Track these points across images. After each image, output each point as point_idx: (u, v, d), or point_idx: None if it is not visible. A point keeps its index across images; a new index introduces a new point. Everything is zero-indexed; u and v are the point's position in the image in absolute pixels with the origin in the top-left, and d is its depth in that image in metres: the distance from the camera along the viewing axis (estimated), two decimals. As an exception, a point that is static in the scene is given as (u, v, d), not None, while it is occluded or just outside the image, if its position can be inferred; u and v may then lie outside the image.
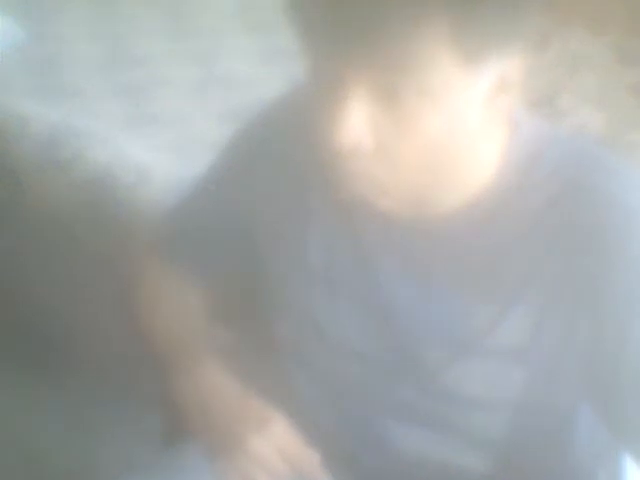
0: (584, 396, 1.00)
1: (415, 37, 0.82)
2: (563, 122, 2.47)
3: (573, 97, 2.60)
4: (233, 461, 1.01)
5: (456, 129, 0.89)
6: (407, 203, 0.96)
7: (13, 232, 1.56)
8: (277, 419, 1.02)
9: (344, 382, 1.07)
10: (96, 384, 1.49)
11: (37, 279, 1.57)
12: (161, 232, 1.23)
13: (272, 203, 1.08)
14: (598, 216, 0.94)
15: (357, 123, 0.87)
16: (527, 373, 0.98)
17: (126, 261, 1.29)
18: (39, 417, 1.53)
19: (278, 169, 1.08)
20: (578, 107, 2.57)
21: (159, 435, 1.26)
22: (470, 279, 0.98)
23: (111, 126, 2.18)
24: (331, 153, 0.89)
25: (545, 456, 1.05)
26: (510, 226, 0.96)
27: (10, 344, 1.56)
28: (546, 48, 2.63)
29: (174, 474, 1.16)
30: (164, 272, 1.19)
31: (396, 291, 1.01)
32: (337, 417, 1.10)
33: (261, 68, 2.62)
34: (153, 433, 1.28)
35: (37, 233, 1.53)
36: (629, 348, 0.94)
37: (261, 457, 1.00)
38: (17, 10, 2.68)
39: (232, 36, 2.78)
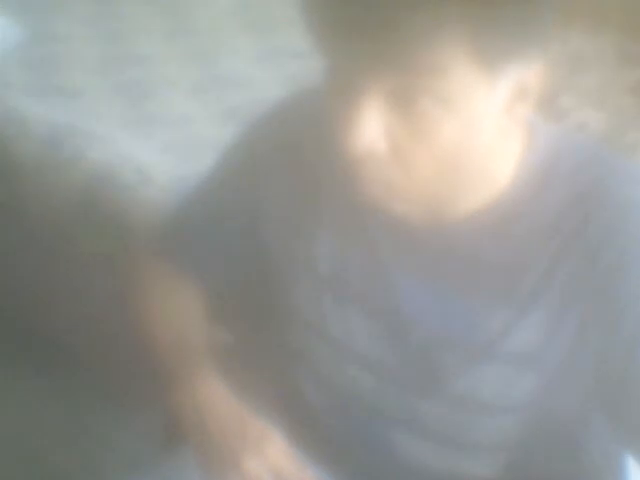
0: (595, 400, 0.99)
1: (434, 44, 0.82)
2: (563, 122, 2.47)
3: (573, 97, 2.60)
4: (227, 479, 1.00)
5: (472, 136, 0.89)
6: (422, 208, 0.96)
7: (13, 232, 1.56)
8: (274, 439, 1.01)
9: (352, 388, 1.06)
10: (96, 384, 1.49)
11: (37, 279, 1.57)
12: (163, 232, 1.23)
13: (281, 206, 1.08)
14: (613, 220, 0.94)
15: (373, 127, 0.87)
16: (540, 377, 0.98)
17: (126, 261, 1.29)
18: (39, 417, 1.53)
19: (288, 172, 1.07)
20: (578, 107, 2.57)
21: (159, 435, 1.26)
22: (485, 284, 0.98)
23: (111, 126, 2.18)
24: (346, 157, 0.89)
25: (555, 460, 1.05)
26: (525, 231, 0.96)
27: (10, 344, 1.57)
28: (546, 48, 2.63)
29: (174, 474, 1.16)
30: (164, 272, 1.19)
31: (410, 296, 1.01)
32: (344, 424, 1.09)
33: (261, 68, 2.61)
34: (153, 433, 1.28)
35: (37, 233, 1.53)
36: None
37: (255, 478, 1.00)
38: (17, 10, 2.69)
39: (232, 36, 2.78)
